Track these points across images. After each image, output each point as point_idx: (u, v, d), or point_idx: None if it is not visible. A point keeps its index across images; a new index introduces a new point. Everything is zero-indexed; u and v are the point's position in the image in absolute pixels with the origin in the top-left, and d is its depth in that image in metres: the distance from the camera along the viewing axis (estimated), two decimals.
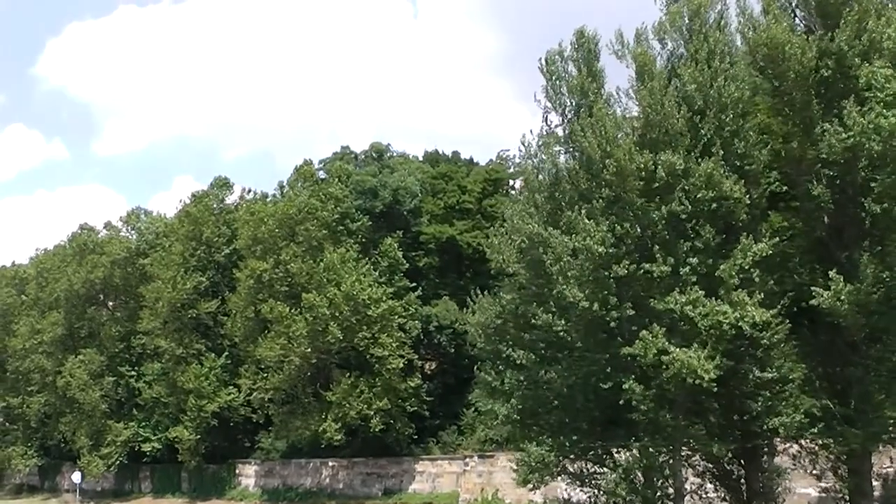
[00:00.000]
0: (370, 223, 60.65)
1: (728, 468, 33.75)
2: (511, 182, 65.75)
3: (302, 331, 56.20)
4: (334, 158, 66.68)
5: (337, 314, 56.03)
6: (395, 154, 67.01)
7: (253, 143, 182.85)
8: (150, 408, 69.06)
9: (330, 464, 61.44)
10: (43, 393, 75.58)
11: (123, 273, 71.46)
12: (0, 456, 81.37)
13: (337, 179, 61.91)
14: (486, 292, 35.45)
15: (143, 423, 69.15)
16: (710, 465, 33.78)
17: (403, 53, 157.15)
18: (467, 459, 54.35)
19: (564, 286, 30.26)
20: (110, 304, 75.27)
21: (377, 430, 55.72)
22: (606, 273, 29.96)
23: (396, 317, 56.92)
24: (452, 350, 60.07)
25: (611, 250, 29.87)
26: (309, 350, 56.60)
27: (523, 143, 33.52)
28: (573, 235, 30.71)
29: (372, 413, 55.55)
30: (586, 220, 30.19)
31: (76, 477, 68.56)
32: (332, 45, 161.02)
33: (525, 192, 33.96)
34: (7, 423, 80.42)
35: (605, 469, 33.23)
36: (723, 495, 33.84)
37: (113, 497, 72.76)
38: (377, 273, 58.25)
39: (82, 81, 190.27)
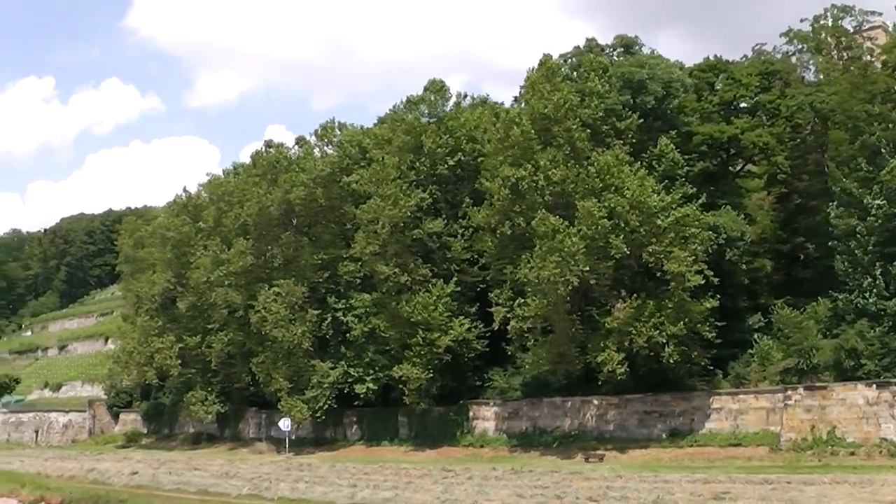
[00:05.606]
0: (641, 121, 51.85)
1: None
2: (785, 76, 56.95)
3: (578, 245, 47.76)
4: (579, 52, 57.72)
5: (621, 224, 47.63)
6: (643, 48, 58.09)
7: (344, 92, 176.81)
8: (360, 345, 60.72)
9: (594, 402, 52.83)
10: (226, 330, 67.76)
11: (327, 192, 62.66)
12: (175, 402, 73.77)
13: (594, 73, 53.04)
14: None
15: (354, 362, 60.81)
16: None
17: None
18: (789, 392, 45.70)
19: None
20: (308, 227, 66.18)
21: (672, 360, 47.25)
22: None
23: (688, 228, 48.28)
24: (744, 267, 51.70)
25: None
26: (587, 269, 48.10)
27: None
28: None
29: (664, 340, 47.15)
30: None
31: (284, 424, 60.29)
32: None
33: None
34: (182, 366, 71.77)
35: None
36: None
37: (315, 446, 63.48)
38: (653, 179, 49.64)
39: (173, 33, 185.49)
